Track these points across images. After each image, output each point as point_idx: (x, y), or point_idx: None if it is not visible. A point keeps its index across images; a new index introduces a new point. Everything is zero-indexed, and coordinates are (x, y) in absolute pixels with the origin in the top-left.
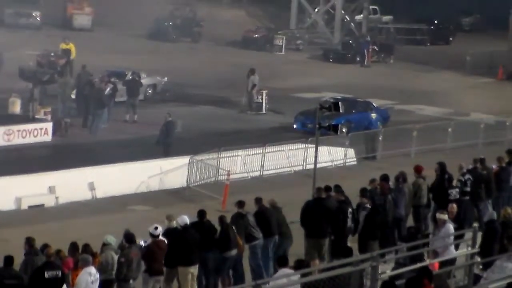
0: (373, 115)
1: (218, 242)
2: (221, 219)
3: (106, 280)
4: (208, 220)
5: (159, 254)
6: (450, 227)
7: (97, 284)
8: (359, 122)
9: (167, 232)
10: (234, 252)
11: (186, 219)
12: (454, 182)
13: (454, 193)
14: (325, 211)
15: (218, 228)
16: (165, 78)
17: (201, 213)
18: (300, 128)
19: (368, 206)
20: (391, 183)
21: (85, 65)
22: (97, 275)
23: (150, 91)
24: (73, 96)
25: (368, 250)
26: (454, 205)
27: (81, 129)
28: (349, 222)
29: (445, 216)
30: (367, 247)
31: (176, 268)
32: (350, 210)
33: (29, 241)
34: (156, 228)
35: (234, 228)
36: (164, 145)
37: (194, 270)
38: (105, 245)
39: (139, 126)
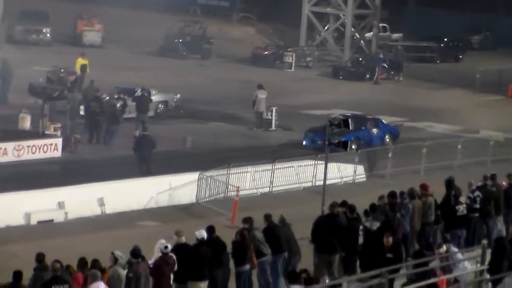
0: (374, 131)
1: (235, 255)
2: (242, 234)
3: None
4: (217, 236)
5: (166, 270)
6: (454, 251)
7: None
8: (367, 138)
9: (177, 248)
10: (247, 267)
11: (203, 234)
12: (463, 199)
13: (462, 209)
14: (336, 228)
15: (228, 243)
16: (178, 95)
17: (210, 229)
18: (309, 145)
19: (366, 225)
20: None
21: (92, 81)
22: None
23: (161, 107)
24: (81, 112)
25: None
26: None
27: (90, 144)
28: (361, 239)
29: (443, 249)
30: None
31: (186, 284)
32: (361, 227)
33: (39, 257)
34: (166, 247)
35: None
36: (139, 160)
37: (204, 285)
38: (116, 260)
39: None
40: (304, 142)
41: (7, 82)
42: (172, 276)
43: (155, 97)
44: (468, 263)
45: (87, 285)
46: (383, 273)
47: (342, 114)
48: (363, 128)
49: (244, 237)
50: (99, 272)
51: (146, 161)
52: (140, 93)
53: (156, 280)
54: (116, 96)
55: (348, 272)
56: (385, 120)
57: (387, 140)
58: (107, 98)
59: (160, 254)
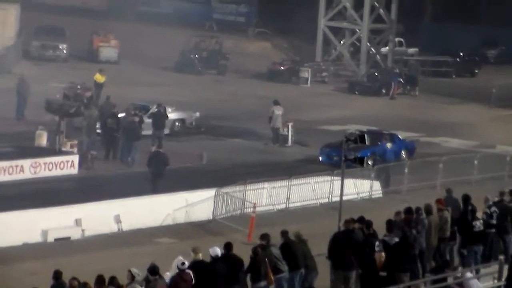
0: (389, 145)
1: (249, 272)
2: (255, 251)
3: None
4: (233, 253)
5: (183, 286)
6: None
7: None
8: (382, 154)
9: (194, 265)
10: (263, 284)
11: (218, 251)
12: (480, 214)
13: (479, 224)
14: (353, 244)
15: (245, 260)
16: (197, 113)
17: (228, 246)
18: (325, 161)
19: (386, 239)
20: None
21: (109, 97)
22: None
23: (178, 125)
24: (98, 130)
25: (397, 282)
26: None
27: (107, 161)
28: None
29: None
30: (396, 279)
31: None
32: (377, 243)
33: (56, 274)
34: (183, 263)
35: (266, 260)
36: (153, 176)
37: None
38: (133, 277)
39: None
40: (320, 158)
41: (24, 98)
42: None
43: (172, 115)
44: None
45: None
46: None
47: (358, 130)
48: (379, 143)
49: (257, 253)
50: None
51: (159, 178)
52: (156, 110)
53: None
54: (132, 113)
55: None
56: (401, 135)
57: (403, 155)
58: (124, 114)
59: (177, 271)
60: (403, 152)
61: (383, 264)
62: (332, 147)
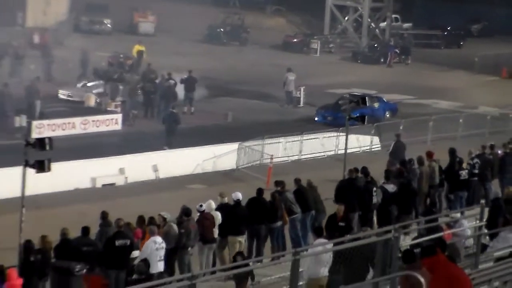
0: (376, 105)
1: (267, 214)
2: (273, 196)
3: (168, 249)
4: (263, 197)
5: (206, 224)
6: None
7: (162, 251)
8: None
9: (221, 207)
10: (279, 223)
11: (239, 195)
12: (464, 165)
13: (464, 174)
14: (355, 190)
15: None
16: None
17: (260, 191)
18: (321, 121)
19: (384, 186)
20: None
21: (149, 64)
22: (163, 244)
23: None
24: (138, 92)
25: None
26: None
27: (146, 119)
28: (374, 199)
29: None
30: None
31: (227, 238)
32: (374, 189)
33: (103, 214)
34: (201, 205)
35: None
36: (168, 134)
37: (242, 239)
38: (164, 219)
39: (196, 117)
40: (316, 118)
41: (86, 68)
42: (216, 230)
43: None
44: (466, 221)
45: (146, 238)
46: (397, 228)
47: (349, 93)
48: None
49: (275, 198)
50: (156, 227)
51: (171, 134)
52: (187, 76)
53: (200, 234)
54: (167, 77)
55: (365, 227)
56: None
57: (387, 115)
58: (161, 79)
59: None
60: (387, 112)
61: (342, 216)
62: (326, 109)
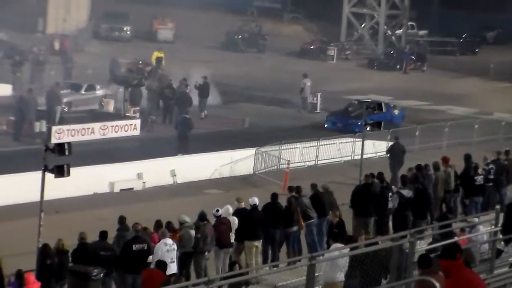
0: (396, 112)
1: (283, 219)
2: (289, 200)
3: (185, 253)
4: (278, 202)
5: (223, 229)
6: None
7: (173, 253)
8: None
9: (237, 212)
10: (295, 228)
11: (256, 200)
12: (480, 171)
13: (479, 179)
14: (371, 195)
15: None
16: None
17: (274, 196)
18: (330, 127)
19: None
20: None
21: (164, 71)
22: (174, 246)
23: None
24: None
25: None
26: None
27: (164, 125)
28: (390, 204)
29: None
30: (416, 225)
31: (243, 242)
32: (390, 194)
33: (121, 219)
34: (217, 210)
35: (298, 208)
36: (181, 139)
37: (258, 244)
38: (181, 223)
39: (213, 122)
40: (325, 125)
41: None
42: (233, 235)
43: None
44: (482, 226)
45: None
46: (412, 233)
47: (357, 100)
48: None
49: (291, 203)
50: (167, 230)
51: (184, 140)
52: (202, 82)
53: (216, 239)
54: (184, 84)
55: (381, 232)
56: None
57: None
58: (178, 85)
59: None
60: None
61: (337, 223)
62: (337, 115)
